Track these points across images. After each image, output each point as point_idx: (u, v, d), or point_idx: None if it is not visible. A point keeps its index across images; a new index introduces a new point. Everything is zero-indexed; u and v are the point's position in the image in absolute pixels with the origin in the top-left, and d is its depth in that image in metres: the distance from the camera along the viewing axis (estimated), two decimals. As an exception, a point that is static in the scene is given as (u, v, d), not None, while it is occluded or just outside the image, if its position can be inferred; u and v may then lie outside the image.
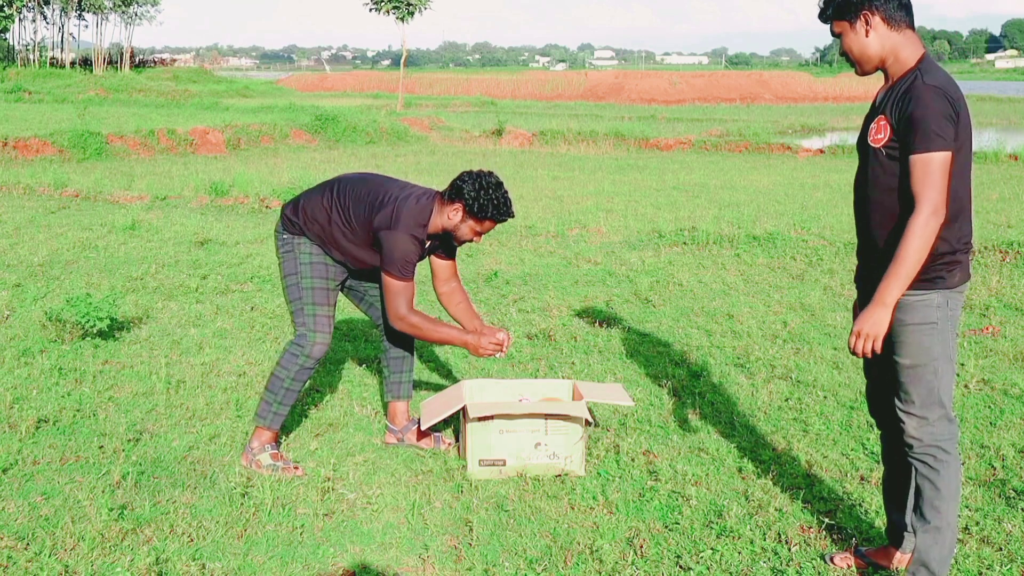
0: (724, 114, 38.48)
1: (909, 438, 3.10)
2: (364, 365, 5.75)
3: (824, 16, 3.18)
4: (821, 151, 21.37)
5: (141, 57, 74.89)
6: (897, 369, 3.09)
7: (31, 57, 59.82)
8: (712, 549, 3.54)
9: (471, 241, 4.21)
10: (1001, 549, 3.54)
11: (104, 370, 5.48)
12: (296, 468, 4.16)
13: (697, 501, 3.92)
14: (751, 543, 3.58)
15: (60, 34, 65.71)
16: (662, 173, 16.92)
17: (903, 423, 3.10)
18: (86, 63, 63.35)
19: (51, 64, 59.63)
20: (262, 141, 21.43)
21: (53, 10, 64.48)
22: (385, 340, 4.56)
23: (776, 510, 3.85)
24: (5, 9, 56.07)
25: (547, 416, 4.18)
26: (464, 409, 4.26)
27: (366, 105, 36.21)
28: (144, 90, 42.34)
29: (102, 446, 4.40)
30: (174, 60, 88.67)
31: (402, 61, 42.76)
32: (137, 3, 66.12)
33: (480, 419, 4.14)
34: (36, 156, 17.31)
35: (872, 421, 4.40)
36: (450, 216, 4.14)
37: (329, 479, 4.10)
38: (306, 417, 4.85)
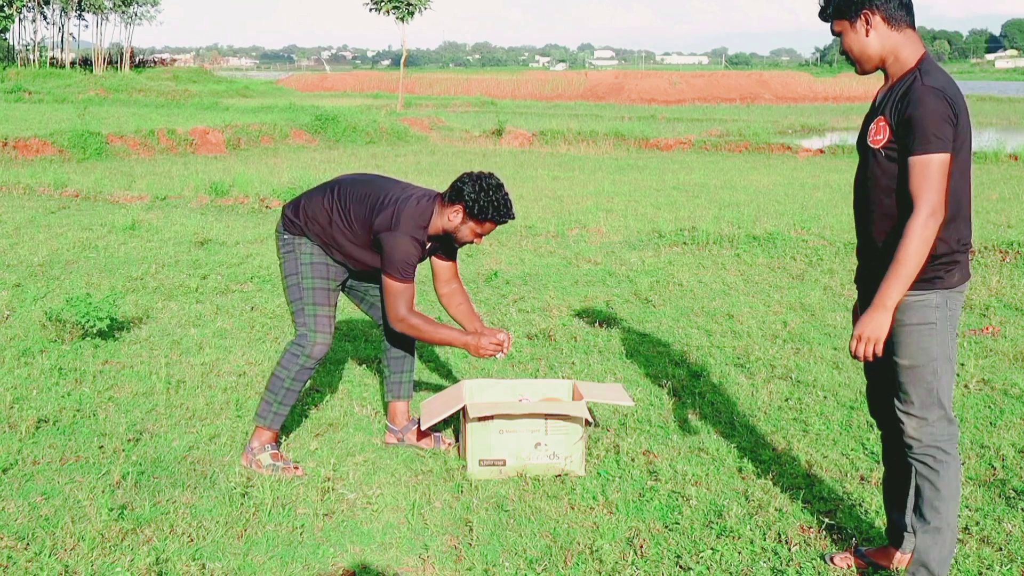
0: (724, 114, 38.47)
1: (909, 438, 3.10)
2: (364, 365, 5.75)
3: (824, 15, 3.17)
4: (821, 151, 21.37)
5: (141, 57, 74.91)
6: (896, 370, 3.08)
7: (31, 57, 59.83)
8: (712, 549, 3.54)
9: (471, 242, 4.22)
10: (1001, 549, 3.54)
11: (104, 370, 5.48)
12: (296, 468, 4.17)
13: (697, 501, 3.92)
14: (751, 543, 3.58)
15: (60, 34, 65.82)
16: (662, 173, 16.92)
17: (902, 424, 3.10)
18: (86, 63, 63.35)
19: (51, 64, 59.65)
20: (262, 141, 21.42)
21: (53, 10, 64.52)
22: (386, 340, 4.56)
23: (776, 510, 3.85)
24: (5, 9, 56.07)
25: (547, 416, 4.18)
26: (464, 409, 4.26)
27: (366, 105, 36.19)
28: (144, 90, 42.35)
29: (102, 446, 4.40)
30: (174, 60, 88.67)
31: (402, 61, 42.77)
32: (137, 3, 66.14)
33: (480, 419, 4.14)
34: (36, 156, 17.30)
35: (872, 421, 4.40)
36: (450, 218, 4.14)
37: (329, 479, 4.10)
38: (306, 417, 4.85)
